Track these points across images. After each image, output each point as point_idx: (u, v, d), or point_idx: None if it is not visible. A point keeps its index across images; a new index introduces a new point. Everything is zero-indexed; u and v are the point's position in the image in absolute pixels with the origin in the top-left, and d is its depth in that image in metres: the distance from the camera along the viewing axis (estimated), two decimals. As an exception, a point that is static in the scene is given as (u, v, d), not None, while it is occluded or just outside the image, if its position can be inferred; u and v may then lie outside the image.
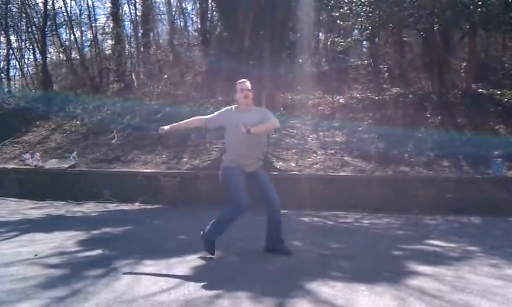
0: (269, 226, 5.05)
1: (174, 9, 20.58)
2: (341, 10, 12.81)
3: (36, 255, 5.10)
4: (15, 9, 21.14)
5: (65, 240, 6.02)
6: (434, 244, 5.88)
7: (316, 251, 5.45)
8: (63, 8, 22.57)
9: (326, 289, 3.87)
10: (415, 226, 7.35)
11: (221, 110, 5.20)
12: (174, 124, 5.25)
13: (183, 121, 5.27)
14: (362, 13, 12.43)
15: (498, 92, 12.83)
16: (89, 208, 9.45)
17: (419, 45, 15.89)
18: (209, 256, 4.98)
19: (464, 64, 14.36)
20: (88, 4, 24.61)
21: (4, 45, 22.32)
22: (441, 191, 8.84)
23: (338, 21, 13.45)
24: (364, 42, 16.94)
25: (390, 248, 5.63)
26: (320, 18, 14.61)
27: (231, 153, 5.03)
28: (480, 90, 13.14)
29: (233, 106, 5.20)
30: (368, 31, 13.53)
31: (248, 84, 5.06)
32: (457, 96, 12.76)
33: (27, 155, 12.33)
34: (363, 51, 18.75)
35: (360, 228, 7.38)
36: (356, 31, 15.27)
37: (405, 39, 16.38)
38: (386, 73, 15.66)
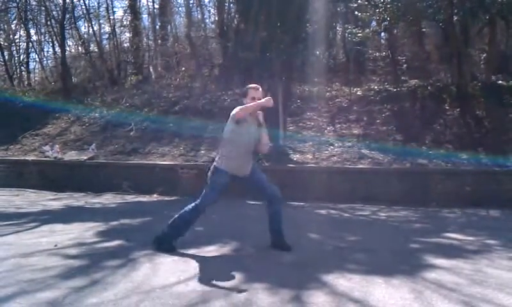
0: (271, 220, 4.90)
1: (191, 1, 20.58)
2: (359, 1, 12.70)
3: (55, 245, 5.17)
4: (34, 3, 21.40)
5: (84, 231, 6.10)
6: (452, 237, 5.84)
7: (333, 244, 5.44)
8: (82, 1, 22.70)
9: (342, 281, 3.87)
10: (432, 219, 7.30)
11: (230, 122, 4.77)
12: None
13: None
14: (380, 4, 12.31)
15: (518, 84, 12.62)
16: (108, 199, 9.55)
17: (438, 36, 15.66)
18: (224, 249, 4.99)
19: (484, 55, 14.14)
20: (106, -4, 24.56)
21: (23, 38, 22.65)
22: (459, 184, 8.75)
23: (356, 12, 13.35)
24: (382, 33, 16.76)
25: (407, 241, 5.60)
26: (338, 9, 14.47)
27: (229, 160, 4.75)
28: (500, 82, 12.91)
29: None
30: (386, 22, 13.38)
31: (261, 91, 4.77)
32: (477, 88, 12.57)
33: (47, 147, 12.49)
34: (381, 42, 18.55)
35: (377, 220, 7.35)
36: (374, 22, 15.13)
37: (424, 30, 16.16)
38: (405, 65, 15.48)
